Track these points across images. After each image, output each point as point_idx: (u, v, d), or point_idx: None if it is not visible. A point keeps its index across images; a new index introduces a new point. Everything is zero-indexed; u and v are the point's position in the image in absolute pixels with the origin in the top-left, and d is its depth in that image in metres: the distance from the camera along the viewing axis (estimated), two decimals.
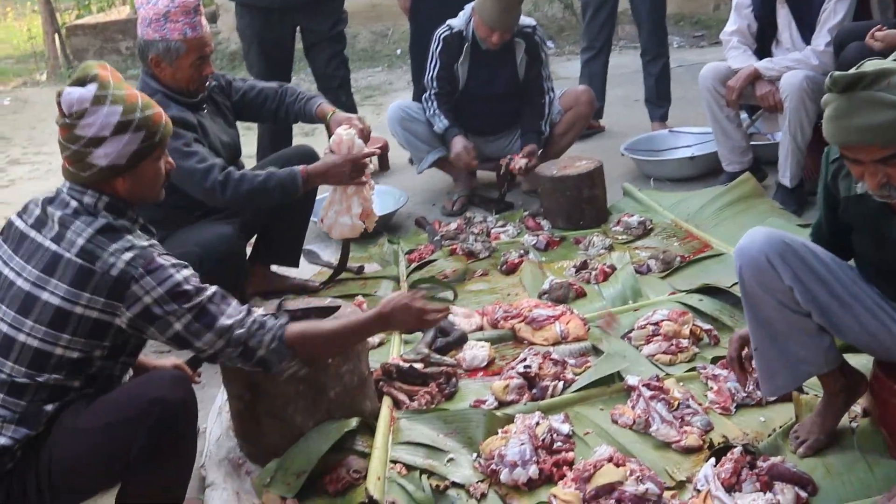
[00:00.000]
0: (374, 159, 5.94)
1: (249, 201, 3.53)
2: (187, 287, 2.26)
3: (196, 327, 2.27)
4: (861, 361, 2.61)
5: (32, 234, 2.27)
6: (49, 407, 2.21)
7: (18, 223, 2.33)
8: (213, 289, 2.33)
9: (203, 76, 3.56)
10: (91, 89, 2.23)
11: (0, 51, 13.77)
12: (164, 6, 3.41)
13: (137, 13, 3.53)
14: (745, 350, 2.58)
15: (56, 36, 11.38)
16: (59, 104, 2.25)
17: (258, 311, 2.45)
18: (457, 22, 4.86)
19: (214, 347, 2.31)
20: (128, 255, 2.20)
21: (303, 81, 8.52)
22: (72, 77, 2.29)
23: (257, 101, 3.89)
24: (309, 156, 3.93)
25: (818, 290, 2.29)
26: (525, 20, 4.90)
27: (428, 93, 4.93)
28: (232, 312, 2.33)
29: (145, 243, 2.26)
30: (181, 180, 3.36)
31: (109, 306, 2.19)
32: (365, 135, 3.76)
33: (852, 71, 2.05)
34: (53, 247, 2.22)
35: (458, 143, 4.87)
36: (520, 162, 4.81)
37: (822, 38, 4.29)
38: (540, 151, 4.96)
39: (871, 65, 2.06)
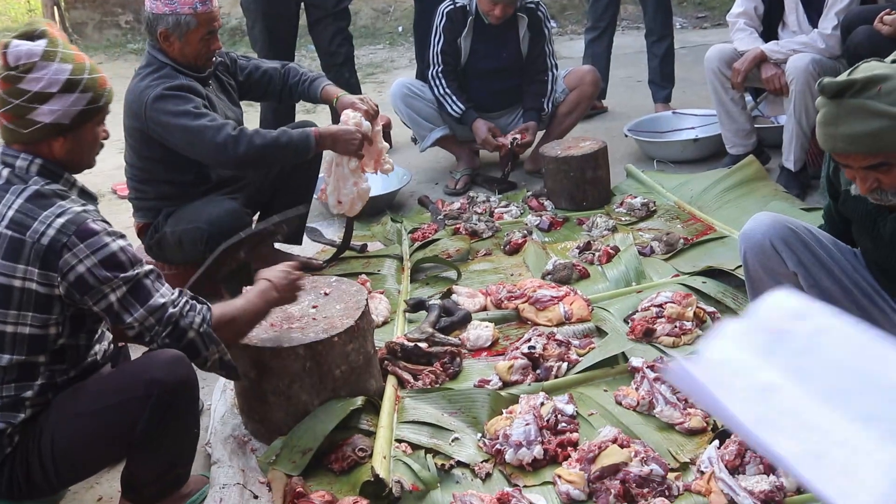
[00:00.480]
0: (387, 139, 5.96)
1: (262, 157, 3.47)
2: (122, 257, 2.18)
3: (130, 301, 2.19)
4: None
5: None
6: (28, 393, 2.19)
7: None
8: (148, 266, 2.26)
9: (211, 51, 3.56)
10: (41, 44, 2.18)
11: None
12: None
13: None
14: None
15: (55, 9, 11.30)
16: (3, 55, 2.18)
17: (188, 294, 2.35)
18: None
19: (145, 325, 2.21)
20: (59, 222, 2.12)
21: (304, 58, 8.49)
22: (18, 31, 2.24)
23: (262, 82, 3.89)
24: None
25: (821, 276, 2.30)
26: None
27: (434, 69, 4.90)
28: (165, 292, 2.25)
29: (79, 208, 2.17)
30: (191, 139, 3.38)
31: (45, 277, 2.13)
32: (372, 115, 3.77)
33: (842, 77, 2.04)
34: None
35: (482, 128, 4.87)
36: (510, 138, 4.84)
37: (828, 21, 4.27)
38: (541, 129, 4.95)
39: (862, 70, 2.04)
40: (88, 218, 2.16)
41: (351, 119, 3.66)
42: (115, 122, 6.99)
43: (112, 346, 2.50)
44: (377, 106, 3.86)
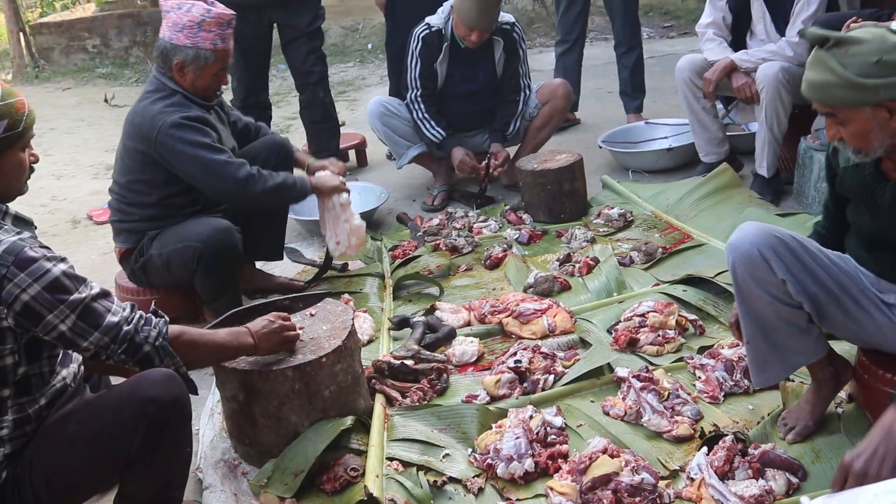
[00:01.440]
0: (352, 156, 6.00)
1: (271, 196, 3.61)
2: (65, 281, 2.11)
3: (81, 327, 2.14)
4: (844, 348, 2.67)
5: None
6: (3, 431, 2.15)
7: None
8: (94, 286, 2.19)
9: (219, 85, 3.64)
10: None
11: None
12: (199, 15, 3.44)
13: (165, 15, 3.52)
14: None
15: (21, 34, 11.24)
16: None
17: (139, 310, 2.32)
18: (435, 20, 4.86)
19: (100, 345, 2.17)
20: None
21: (275, 77, 8.49)
22: None
23: (243, 132, 3.99)
24: (281, 145, 4.03)
25: (809, 282, 2.34)
26: (504, 16, 4.92)
27: (412, 93, 4.93)
28: (116, 309, 2.20)
29: (13, 237, 2.09)
30: (209, 172, 3.46)
31: None
32: (341, 172, 3.99)
33: (826, 32, 2.21)
34: None
35: (459, 153, 4.93)
36: (493, 165, 4.95)
37: (795, 29, 4.34)
38: (508, 146, 5.07)
39: (853, 32, 2.19)
40: (25, 246, 2.08)
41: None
42: (87, 148, 6.91)
43: (81, 368, 2.47)
44: (345, 167, 4.04)
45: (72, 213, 5.76)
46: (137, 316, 2.25)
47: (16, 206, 2.30)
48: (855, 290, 2.39)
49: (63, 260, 2.15)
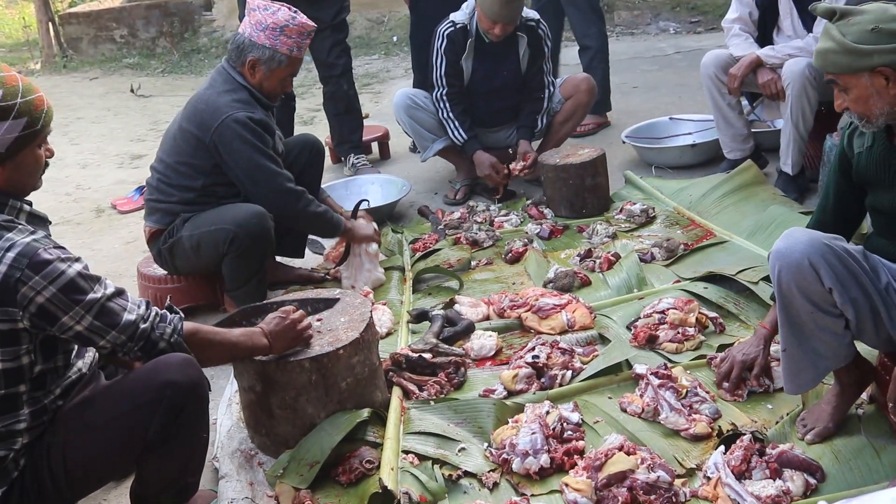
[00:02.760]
0: (375, 148, 6.00)
1: (304, 220, 3.74)
2: (81, 282, 2.11)
3: (98, 326, 2.15)
4: (864, 349, 2.63)
5: None
6: (21, 425, 2.17)
7: None
8: (109, 284, 2.20)
9: (283, 91, 3.72)
10: None
11: None
12: (283, 19, 3.52)
13: (249, 12, 3.59)
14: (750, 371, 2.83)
15: (50, 24, 11.33)
16: None
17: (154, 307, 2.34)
18: (459, 16, 4.84)
19: (117, 343, 2.19)
20: (9, 256, 2.04)
21: (301, 70, 8.52)
22: None
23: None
24: (312, 143, 4.08)
25: (856, 291, 2.31)
26: (528, 13, 4.89)
27: (438, 92, 4.90)
28: (132, 307, 2.22)
29: (27, 238, 2.09)
30: (257, 176, 3.55)
31: (5, 313, 2.05)
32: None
33: (836, 5, 2.43)
34: None
35: (485, 162, 4.90)
36: (516, 167, 4.90)
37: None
38: (537, 144, 5.00)
39: (864, 5, 2.34)
40: (39, 247, 2.08)
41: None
42: (113, 138, 6.96)
43: (96, 356, 2.48)
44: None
45: (96, 202, 5.81)
46: (153, 313, 2.27)
47: (42, 194, 2.31)
48: (885, 292, 2.36)
49: (77, 260, 2.16)
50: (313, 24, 3.63)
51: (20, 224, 2.15)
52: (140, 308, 2.25)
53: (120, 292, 2.23)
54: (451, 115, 4.91)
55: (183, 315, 2.37)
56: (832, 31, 2.34)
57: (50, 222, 2.34)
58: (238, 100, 3.56)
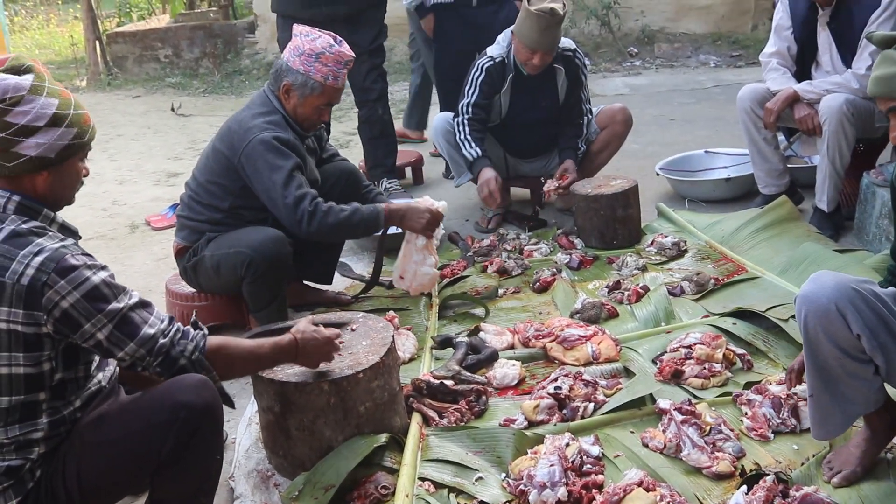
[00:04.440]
0: (409, 173, 5.99)
1: (335, 234, 3.67)
2: (105, 290, 2.14)
3: (118, 336, 2.17)
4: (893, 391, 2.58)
5: None
6: (38, 434, 2.18)
7: None
8: (134, 295, 2.22)
9: (320, 120, 3.71)
10: (28, 78, 2.19)
11: (42, 56, 13.96)
12: (321, 47, 3.53)
13: (293, 37, 3.63)
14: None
15: (97, 43, 11.54)
16: None
17: (178, 322, 2.34)
18: (496, 50, 4.82)
19: (136, 356, 2.20)
20: (37, 261, 2.08)
21: None
22: (5, 66, 2.23)
23: (336, 169, 4.02)
24: (349, 171, 4.07)
25: (883, 335, 2.25)
26: (565, 42, 4.86)
27: (460, 117, 4.88)
28: (154, 321, 2.23)
29: (56, 244, 2.13)
30: (272, 196, 3.51)
31: (30, 317, 2.09)
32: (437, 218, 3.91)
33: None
34: None
35: (487, 173, 4.76)
36: (552, 185, 4.82)
37: (862, 61, 4.25)
38: (576, 168, 4.95)
39: None
40: (67, 253, 2.12)
41: (427, 202, 3.82)
42: (151, 155, 7.07)
43: (117, 370, 2.48)
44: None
45: (131, 218, 5.87)
46: (174, 329, 2.27)
47: (78, 209, 2.36)
48: None
49: (104, 268, 2.19)
50: (352, 54, 3.63)
51: (50, 231, 2.20)
52: (162, 323, 2.25)
53: (144, 304, 2.25)
54: (468, 136, 4.85)
55: (207, 332, 2.37)
56: (894, 55, 2.32)
57: (80, 237, 2.37)
58: (270, 122, 3.57)
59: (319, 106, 3.63)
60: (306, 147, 3.78)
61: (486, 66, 4.80)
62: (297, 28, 3.66)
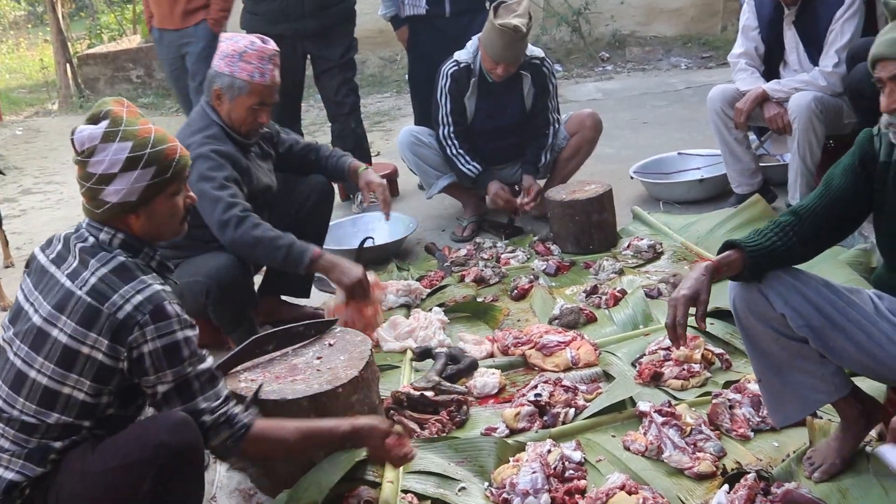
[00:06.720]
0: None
1: (251, 248, 3.40)
2: (184, 350, 2.22)
3: (172, 397, 2.23)
4: (874, 385, 2.59)
5: (52, 269, 2.27)
6: (57, 444, 2.20)
7: (41, 257, 2.34)
8: (206, 364, 2.28)
9: (257, 122, 3.58)
10: (102, 126, 2.24)
11: (13, 81, 13.91)
12: (242, 46, 3.49)
13: (219, 44, 3.58)
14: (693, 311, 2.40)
15: (68, 65, 11.48)
16: (72, 142, 2.26)
17: (233, 403, 2.35)
18: (463, 55, 4.86)
19: None
20: (137, 299, 2.17)
21: (312, 108, 8.58)
22: (88, 115, 2.30)
23: (302, 154, 3.97)
24: (321, 185, 4.03)
25: (811, 315, 2.27)
26: (534, 51, 4.90)
27: (444, 130, 4.91)
28: (210, 396, 2.27)
29: (158, 286, 2.22)
30: (203, 205, 3.37)
31: (113, 349, 2.17)
32: (388, 204, 3.92)
33: None
34: (68, 283, 2.21)
35: (494, 186, 4.91)
36: (522, 201, 4.92)
37: (829, 58, 4.30)
38: (541, 182, 5.02)
39: None
40: (165, 299, 2.20)
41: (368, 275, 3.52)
42: None
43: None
44: (390, 199, 3.93)
45: None
46: (222, 412, 2.29)
47: (42, 218, 2.36)
48: (865, 322, 2.31)
49: (192, 326, 2.27)
50: (275, 48, 3.55)
51: (153, 270, 2.30)
52: (216, 401, 2.28)
53: (211, 378, 2.29)
54: (459, 151, 4.91)
55: (253, 419, 2.35)
56: None
57: (172, 273, 2.45)
58: (208, 136, 3.49)
59: (252, 106, 3.52)
60: (256, 153, 3.72)
61: (450, 72, 4.84)
62: (223, 35, 3.61)
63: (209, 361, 2.30)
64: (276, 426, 2.44)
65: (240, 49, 3.48)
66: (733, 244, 2.37)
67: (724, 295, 3.67)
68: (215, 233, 3.46)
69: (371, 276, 3.49)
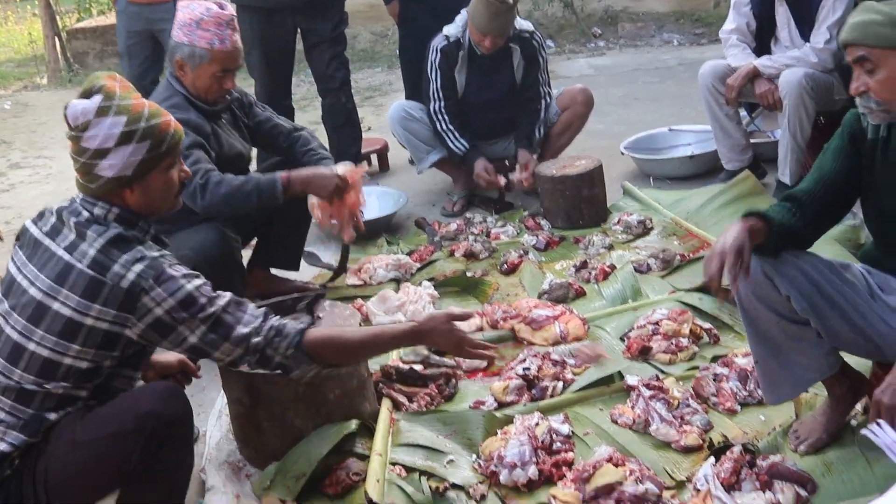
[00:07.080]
0: (374, 160, 5.97)
1: (226, 205, 3.41)
2: (199, 297, 2.22)
3: (211, 338, 2.24)
4: (859, 361, 2.61)
5: (47, 241, 2.25)
6: (52, 416, 2.20)
7: (33, 230, 2.32)
8: (226, 297, 2.29)
9: (222, 89, 3.54)
10: (95, 101, 2.22)
11: (1, 55, 13.77)
12: (199, 13, 3.44)
13: (177, 13, 3.53)
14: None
15: (56, 39, 11.38)
16: (65, 117, 2.25)
17: (276, 317, 2.36)
18: (452, 29, 4.85)
19: (232, 356, 2.28)
20: (138, 267, 2.17)
21: (303, 83, 8.53)
22: (81, 90, 2.28)
23: (272, 134, 3.89)
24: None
25: (814, 296, 2.29)
26: (523, 24, 4.89)
27: (436, 105, 4.91)
28: (249, 319, 2.29)
29: (156, 254, 2.22)
30: None
31: (120, 318, 2.17)
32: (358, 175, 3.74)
33: None
34: (66, 256, 2.20)
35: (479, 165, 4.89)
36: (517, 177, 4.91)
37: (820, 35, 4.29)
38: (535, 156, 4.98)
39: None
40: (165, 264, 2.21)
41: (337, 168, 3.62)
42: None
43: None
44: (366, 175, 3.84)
45: None
46: (268, 326, 2.30)
47: (31, 193, 2.35)
48: (860, 301, 2.33)
49: (198, 277, 2.26)
50: (231, 12, 3.51)
51: (147, 241, 2.29)
52: (256, 321, 2.29)
53: (238, 303, 2.30)
54: (449, 126, 4.90)
55: (306, 325, 2.37)
56: (877, 6, 2.23)
57: (168, 245, 2.43)
58: (170, 106, 3.36)
59: (215, 73, 3.47)
60: (228, 120, 3.69)
61: (439, 47, 4.84)
62: (180, 3, 3.55)
63: (228, 294, 2.30)
64: (335, 331, 2.49)
65: (196, 17, 3.43)
66: (758, 214, 2.35)
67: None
68: (189, 205, 3.41)
69: (344, 168, 3.58)
